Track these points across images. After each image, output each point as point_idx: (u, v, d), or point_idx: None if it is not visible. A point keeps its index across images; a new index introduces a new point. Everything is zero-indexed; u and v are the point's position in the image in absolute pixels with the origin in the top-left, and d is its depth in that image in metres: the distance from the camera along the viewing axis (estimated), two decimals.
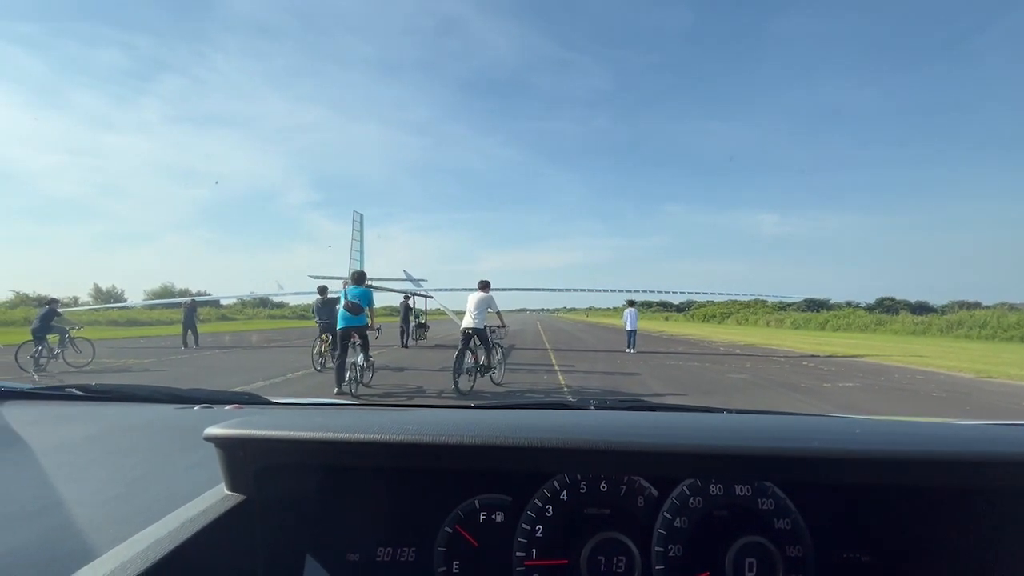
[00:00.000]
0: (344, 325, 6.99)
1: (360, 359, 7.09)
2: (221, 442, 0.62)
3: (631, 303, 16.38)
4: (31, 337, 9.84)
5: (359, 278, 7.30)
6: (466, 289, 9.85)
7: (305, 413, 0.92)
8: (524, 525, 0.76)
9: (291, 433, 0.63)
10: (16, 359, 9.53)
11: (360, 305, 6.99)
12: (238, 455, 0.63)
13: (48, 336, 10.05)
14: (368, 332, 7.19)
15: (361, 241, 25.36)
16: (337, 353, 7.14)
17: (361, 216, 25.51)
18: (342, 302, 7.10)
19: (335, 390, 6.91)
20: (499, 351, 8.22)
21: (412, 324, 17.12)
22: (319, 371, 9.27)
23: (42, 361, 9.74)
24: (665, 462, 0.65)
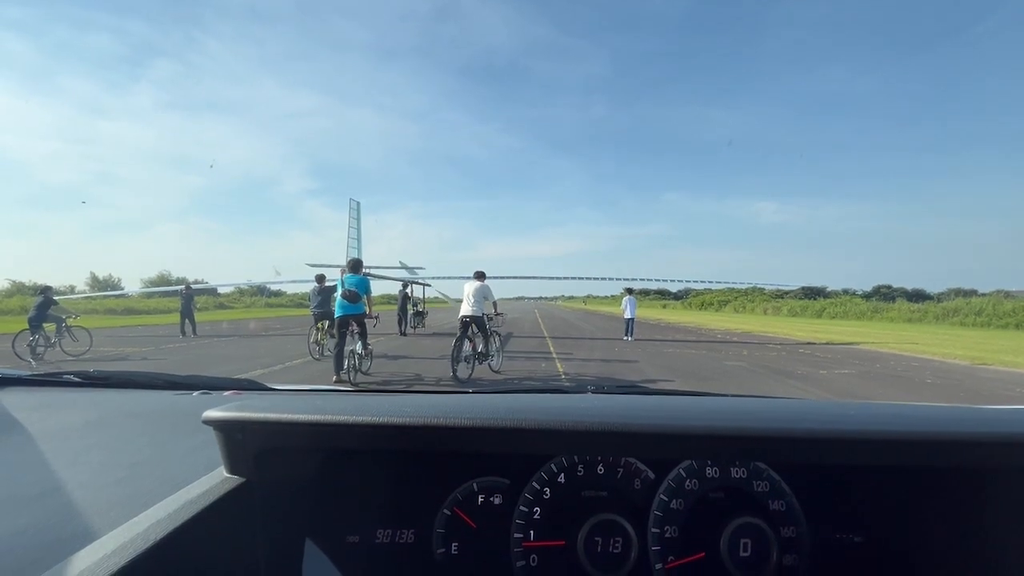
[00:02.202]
0: (342, 313, 6.99)
1: (358, 347, 7.10)
2: (220, 425, 0.62)
3: (629, 291, 16.35)
4: (28, 326, 9.82)
5: (355, 266, 7.28)
6: (463, 277, 9.85)
7: (304, 398, 0.92)
8: (522, 507, 0.77)
9: (290, 416, 0.63)
10: (13, 348, 9.52)
11: (358, 293, 6.99)
12: (237, 438, 0.63)
13: (45, 325, 10.02)
14: (366, 320, 7.20)
15: (358, 229, 25.22)
16: (335, 341, 7.15)
17: (358, 204, 25.35)
18: (339, 291, 7.10)
19: (334, 378, 6.93)
20: (497, 339, 8.25)
21: (410, 312, 17.12)
22: (317, 359, 9.28)
23: (39, 350, 9.73)
24: (661, 444, 0.65)
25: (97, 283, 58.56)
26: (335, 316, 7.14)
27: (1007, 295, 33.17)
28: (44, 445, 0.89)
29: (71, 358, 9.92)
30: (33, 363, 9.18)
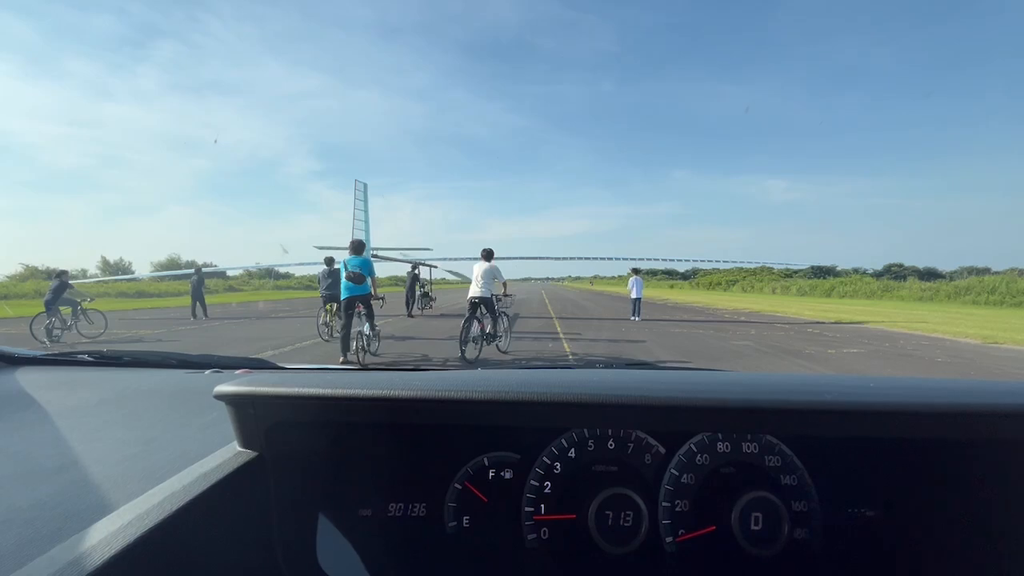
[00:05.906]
0: (348, 295, 7.03)
1: (366, 328, 7.15)
2: (232, 399, 0.63)
3: (635, 271, 16.29)
4: (44, 309, 9.99)
5: (358, 248, 7.27)
6: (470, 258, 9.84)
7: (315, 374, 0.93)
8: (533, 481, 0.77)
9: (300, 390, 0.63)
10: (31, 330, 9.71)
11: (363, 274, 7.01)
12: (249, 412, 0.64)
13: (61, 308, 10.19)
14: (372, 301, 7.24)
15: (365, 211, 25.02)
16: (342, 323, 7.20)
17: (365, 185, 25.05)
18: (344, 272, 7.12)
19: (341, 359, 7.00)
20: (505, 319, 8.27)
21: (418, 293, 17.19)
22: (326, 341, 9.38)
23: (55, 333, 9.91)
24: (672, 417, 0.65)
25: (108, 267, 59.23)
26: (341, 298, 7.17)
27: (1021, 273, 32.62)
28: (60, 422, 0.91)
29: (87, 340, 10.10)
30: (48, 344, 9.36)
